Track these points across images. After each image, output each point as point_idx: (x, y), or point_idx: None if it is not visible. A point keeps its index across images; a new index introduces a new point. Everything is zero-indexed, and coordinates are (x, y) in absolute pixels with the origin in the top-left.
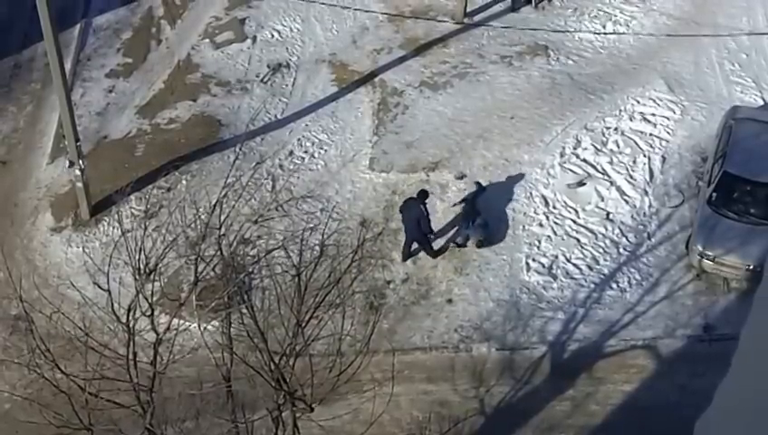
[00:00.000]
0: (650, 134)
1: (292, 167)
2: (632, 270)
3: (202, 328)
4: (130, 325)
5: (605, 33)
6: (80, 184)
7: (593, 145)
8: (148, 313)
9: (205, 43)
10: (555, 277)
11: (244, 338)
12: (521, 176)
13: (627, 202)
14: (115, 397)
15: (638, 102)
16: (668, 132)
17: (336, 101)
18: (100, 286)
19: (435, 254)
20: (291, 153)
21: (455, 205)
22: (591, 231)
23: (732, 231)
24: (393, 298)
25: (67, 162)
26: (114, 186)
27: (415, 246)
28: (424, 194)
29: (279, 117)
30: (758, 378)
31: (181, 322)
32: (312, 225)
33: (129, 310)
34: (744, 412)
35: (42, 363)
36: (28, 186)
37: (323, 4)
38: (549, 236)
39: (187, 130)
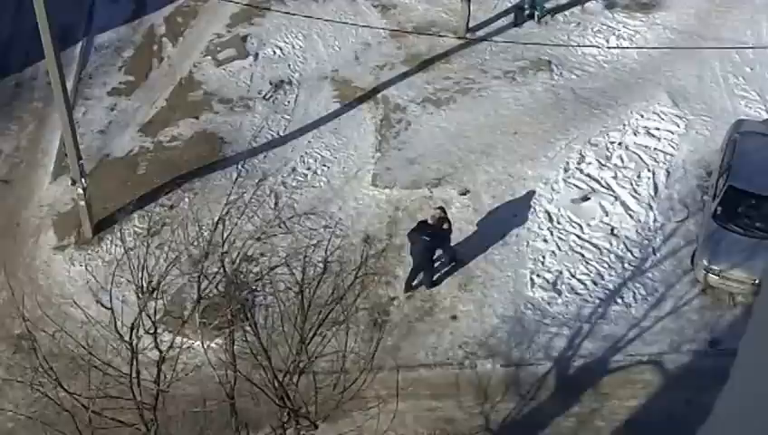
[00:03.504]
0: (655, 148)
1: (294, 184)
2: (637, 285)
3: (205, 346)
4: (133, 343)
5: (608, 48)
6: (82, 202)
7: (597, 160)
8: (152, 331)
9: (207, 61)
10: (560, 293)
11: (248, 356)
12: (524, 191)
13: (631, 217)
14: (119, 415)
15: (642, 117)
16: (673, 146)
17: (339, 118)
18: (103, 305)
19: (432, 284)
20: (293, 170)
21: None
22: (596, 246)
23: (737, 245)
24: (397, 315)
25: (69, 181)
26: (117, 204)
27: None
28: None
29: (282, 134)
30: (758, 387)
31: (184, 340)
32: (315, 241)
33: (132, 328)
34: (745, 421)
35: (45, 382)
36: (30, 205)
37: (325, 20)
38: (553, 252)
39: (190, 147)
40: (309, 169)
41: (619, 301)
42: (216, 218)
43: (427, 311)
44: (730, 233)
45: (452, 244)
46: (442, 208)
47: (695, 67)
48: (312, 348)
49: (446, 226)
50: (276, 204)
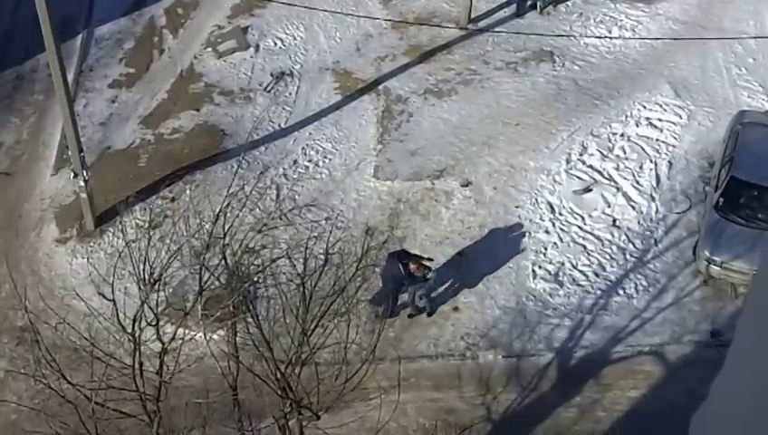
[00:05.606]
0: (657, 139)
1: (296, 176)
2: (639, 276)
3: (207, 337)
4: (136, 335)
5: (611, 38)
6: (84, 195)
7: (599, 151)
8: (154, 322)
9: (207, 53)
10: (562, 284)
11: (250, 347)
12: (526, 183)
13: (633, 208)
14: (122, 407)
15: (645, 108)
16: (675, 137)
17: (340, 110)
18: (105, 297)
19: (390, 315)
20: (295, 162)
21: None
22: (598, 238)
23: (739, 236)
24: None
25: (71, 173)
26: (118, 196)
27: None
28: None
29: (283, 126)
30: (753, 371)
31: (186, 331)
32: (316, 234)
33: (134, 320)
34: (740, 406)
35: (48, 374)
36: (32, 197)
37: (326, 11)
38: (555, 243)
39: (191, 139)
40: (310, 160)
41: (621, 292)
42: (217, 211)
43: None
44: (732, 224)
45: (431, 295)
46: (415, 260)
47: (697, 58)
48: (314, 339)
49: (423, 272)
50: (277, 196)
